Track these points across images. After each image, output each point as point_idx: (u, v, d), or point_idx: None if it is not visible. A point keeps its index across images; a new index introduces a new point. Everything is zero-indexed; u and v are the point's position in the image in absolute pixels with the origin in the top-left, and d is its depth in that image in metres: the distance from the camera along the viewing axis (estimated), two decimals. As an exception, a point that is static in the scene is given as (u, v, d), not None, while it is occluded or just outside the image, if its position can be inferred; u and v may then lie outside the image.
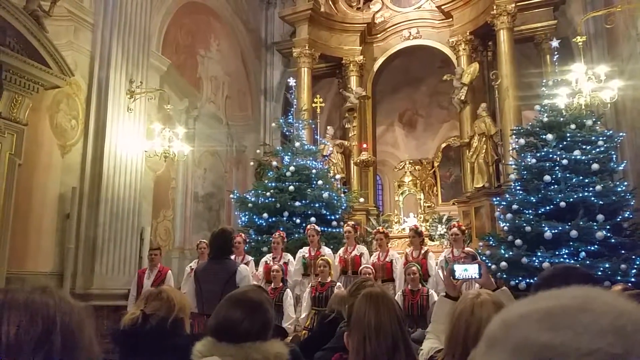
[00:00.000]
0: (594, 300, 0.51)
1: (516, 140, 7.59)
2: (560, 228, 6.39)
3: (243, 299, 1.77)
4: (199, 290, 4.30)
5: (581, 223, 6.30)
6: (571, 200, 6.52)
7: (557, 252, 6.38)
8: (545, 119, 7.27)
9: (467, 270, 2.52)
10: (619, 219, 6.55)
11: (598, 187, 6.46)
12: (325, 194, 8.39)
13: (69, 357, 0.77)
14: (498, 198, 7.72)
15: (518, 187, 7.25)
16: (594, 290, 0.54)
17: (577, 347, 0.45)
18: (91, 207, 7.58)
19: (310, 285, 6.38)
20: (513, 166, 7.65)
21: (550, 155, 6.94)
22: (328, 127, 10.99)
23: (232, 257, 6.98)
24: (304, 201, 8.30)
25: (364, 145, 10.83)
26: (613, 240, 6.33)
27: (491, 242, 7.45)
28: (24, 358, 0.74)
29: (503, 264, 6.61)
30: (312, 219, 7.99)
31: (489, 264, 6.62)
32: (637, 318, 0.48)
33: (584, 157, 6.78)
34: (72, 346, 0.78)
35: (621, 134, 7.48)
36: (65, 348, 0.77)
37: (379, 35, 11.72)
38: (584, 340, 0.46)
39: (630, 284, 4.96)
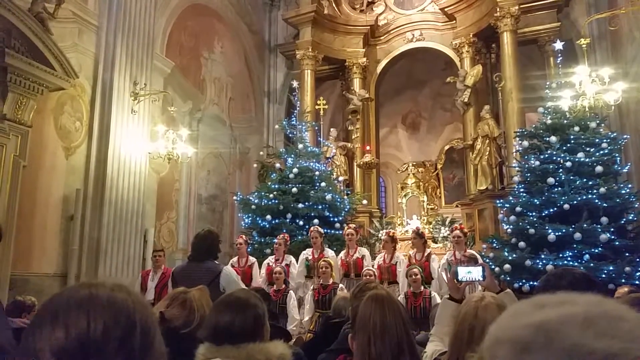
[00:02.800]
0: (614, 307, 0.54)
1: (520, 142, 7.58)
2: (564, 230, 6.38)
3: (229, 301, 1.79)
4: None
5: (585, 225, 6.28)
6: (575, 202, 6.50)
7: (560, 255, 6.36)
8: (549, 121, 7.25)
9: (471, 273, 2.52)
10: (623, 222, 6.53)
11: (602, 190, 6.43)
12: (329, 196, 8.39)
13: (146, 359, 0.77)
14: (501, 200, 7.71)
15: (521, 190, 7.23)
16: (594, 295, 0.57)
17: (636, 354, 0.48)
18: (95, 209, 7.60)
19: (312, 287, 6.37)
20: (516, 168, 7.63)
21: (554, 158, 6.92)
22: (331, 129, 10.99)
23: (235, 258, 7.05)
24: (307, 203, 8.30)
25: (367, 148, 10.83)
26: (617, 243, 6.30)
27: (494, 245, 7.43)
28: (106, 357, 0.73)
29: (506, 266, 6.59)
30: (315, 220, 7.99)
31: (493, 267, 6.60)
32: None
33: (587, 160, 6.75)
34: (148, 348, 0.77)
35: (625, 136, 7.46)
36: (142, 350, 0.76)
37: (382, 38, 11.72)
38: (636, 347, 0.48)
39: (635, 286, 4.94)
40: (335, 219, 8.53)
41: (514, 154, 8.21)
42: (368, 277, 5.85)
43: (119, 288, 0.81)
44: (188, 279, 3.75)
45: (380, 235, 9.69)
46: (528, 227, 6.67)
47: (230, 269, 4.48)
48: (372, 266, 6.73)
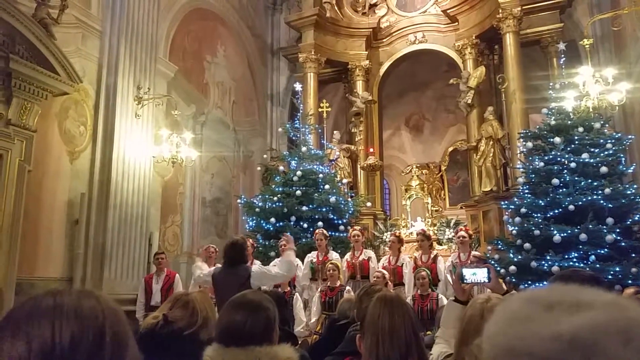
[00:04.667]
0: (638, 312, 0.52)
1: (524, 143, 7.55)
2: (569, 231, 6.34)
3: (242, 302, 1.78)
4: (217, 295, 4.44)
5: (590, 226, 6.25)
6: (580, 203, 6.47)
7: (566, 256, 6.33)
8: (553, 122, 7.23)
9: (476, 274, 2.50)
10: (628, 222, 6.49)
11: (607, 190, 6.40)
12: (332, 199, 8.39)
13: None
14: (506, 202, 7.68)
15: (526, 191, 7.21)
16: (601, 292, 0.56)
17: None
18: (100, 213, 7.62)
19: (319, 289, 6.37)
20: (521, 170, 7.60)
21: (558, 159, 6.90)
22: (334, 132, 10.99)
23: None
24: (311, 206, 8.30)
25: (371, 150, 10.82)
26: (623, 244, 6.26)
27: (500, 246, 7.40)
28: None
29: (512, 268, 6.57)
30: (320, 223, 7.98)
31: (498, 268, 6.58)
32: None
33: (592, 160, 6.73)
34: (121, 356, 0.74)
35: (630, 136, 7.42)
36: (114, 358, 0.73)
37: (384, 40, 11.72)
38: None
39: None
40: (340, 222, 8.52)
41: (518, 155, 8.18)
42: (376, 279, 5.84)
43: (87, 295, 0.78)
44: (223, 282, 4.32)
45: (384, 237, 9.67)
46: (533, 228, 6.64)
47: (257, 266, 4.79)
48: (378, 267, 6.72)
